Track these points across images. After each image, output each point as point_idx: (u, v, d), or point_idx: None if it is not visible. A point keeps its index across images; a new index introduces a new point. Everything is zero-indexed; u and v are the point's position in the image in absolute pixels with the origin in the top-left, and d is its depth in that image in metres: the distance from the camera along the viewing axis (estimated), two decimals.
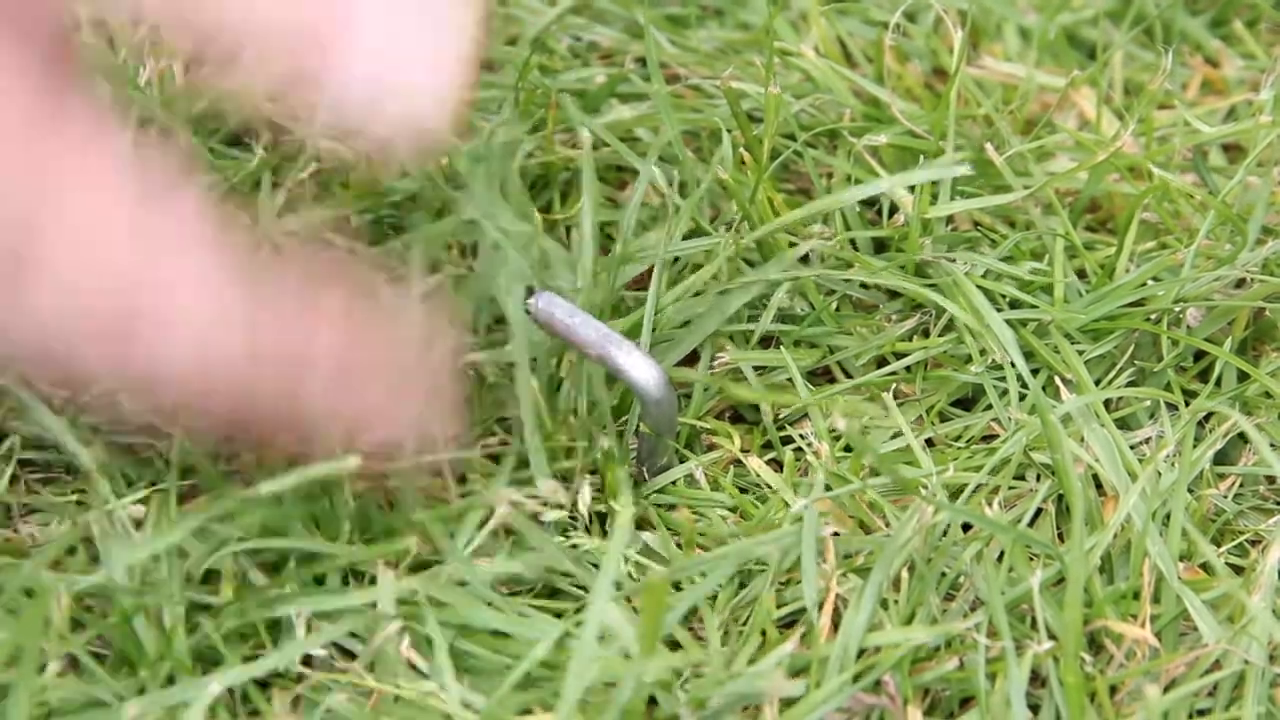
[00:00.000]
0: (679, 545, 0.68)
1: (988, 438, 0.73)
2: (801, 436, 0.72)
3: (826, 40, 0.86)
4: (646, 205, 0.78)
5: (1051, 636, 0.63)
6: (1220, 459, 0.71)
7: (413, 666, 0.62)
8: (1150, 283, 0.74)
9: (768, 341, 0.75)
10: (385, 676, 0.62)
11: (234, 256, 0.58)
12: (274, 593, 0.63)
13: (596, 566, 0.66)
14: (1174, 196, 0.79)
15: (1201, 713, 0.63)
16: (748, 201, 0.75)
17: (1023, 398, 0.72)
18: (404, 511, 0.67)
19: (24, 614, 0.59)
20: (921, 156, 0.77)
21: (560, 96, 0.79)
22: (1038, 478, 0.70)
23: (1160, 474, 0.67)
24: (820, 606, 0.64)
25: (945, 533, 0.66)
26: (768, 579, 0.65)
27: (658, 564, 0.67)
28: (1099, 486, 0.69)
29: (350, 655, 0.63)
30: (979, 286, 0.74)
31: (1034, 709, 0.63)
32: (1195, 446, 0.69)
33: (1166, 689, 0.63)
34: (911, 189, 0.76)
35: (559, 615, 0.65)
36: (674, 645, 0.65)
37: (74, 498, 0.68)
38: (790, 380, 0.73)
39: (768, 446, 0.73)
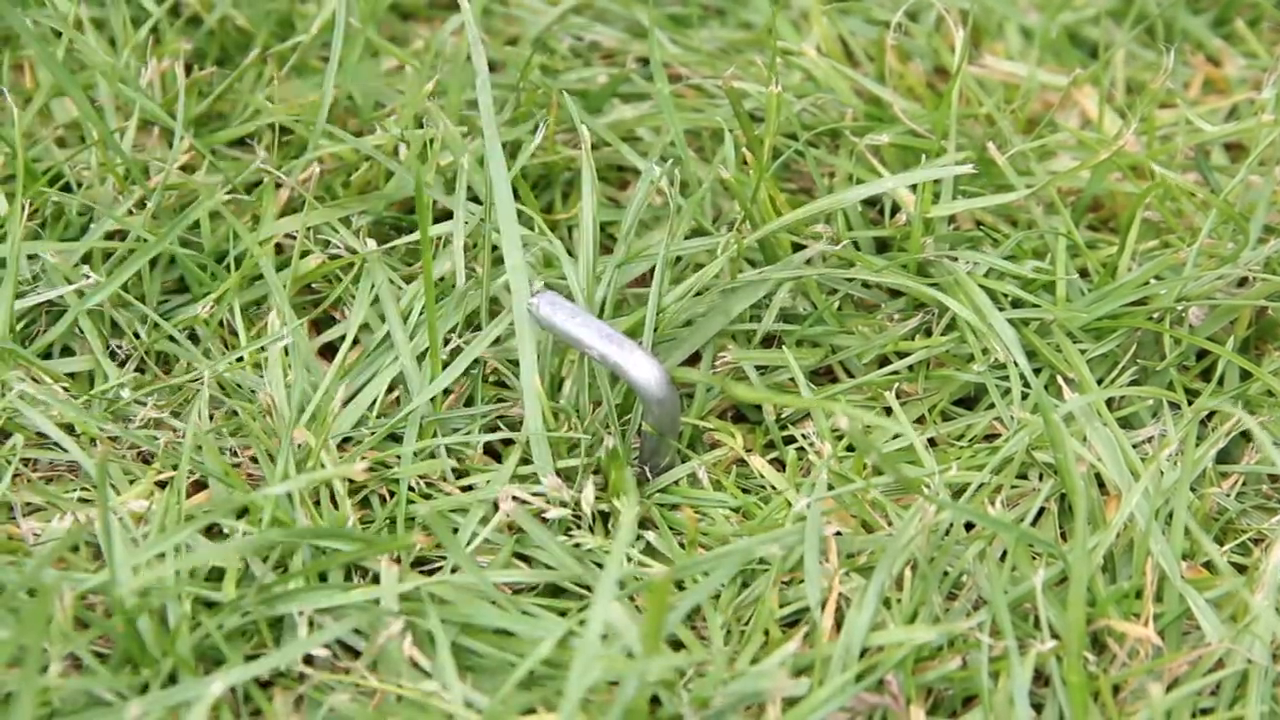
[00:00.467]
0: (682, 544, 0.68)
1: (990, 437, 0.73)
2: (804, 436, 0.72)
3: (828, 40, 0.86)
4: (648, 205, 0.78)
5: (1054, 635, 0.63)
6: (1223, 458, 0.71)
7: (415, 665, 0.62)
8: (1152, 281, 0.74)
9: (770, 341, 0.75)
10: (388, 676, 0.62)
11: None
12: (278, 589, 0.63)
13: (600, 565, 0.66)
14: (1176, 195, 0.79)
15: (1205, 712, 0.63)
16: (750, 201, 0.75)
17: (1025, 397, 0.72)
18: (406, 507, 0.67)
19: (26, 613, 0.59)
20: (923, 156, 0.77)
21: (562, 96, 0.79)
22: (1040, 477, 0.69)
23: (1163, 473, 0.67)
24: (823, 606, 0.64)
25: (948, 532, 0.66)
26: (770, 578, 0.65)
27: (661, 563, 0.67)
28: (1101, 485, 0.69)
29: (353, 654, 0.63)
30: (981, 285, 0.74)
31: (1037, 708, 0.63)
32: (1198, 445, 0.69)
33: (1169, 688, 0.63)
34: (913, 188, 0.76)
35: (562, 614, 0.64)
36: (677, 644, 0.65)
37: (76, 496, 0.68)
38: (793, 380, 0.73)
39: (770, 446, 0.73)
